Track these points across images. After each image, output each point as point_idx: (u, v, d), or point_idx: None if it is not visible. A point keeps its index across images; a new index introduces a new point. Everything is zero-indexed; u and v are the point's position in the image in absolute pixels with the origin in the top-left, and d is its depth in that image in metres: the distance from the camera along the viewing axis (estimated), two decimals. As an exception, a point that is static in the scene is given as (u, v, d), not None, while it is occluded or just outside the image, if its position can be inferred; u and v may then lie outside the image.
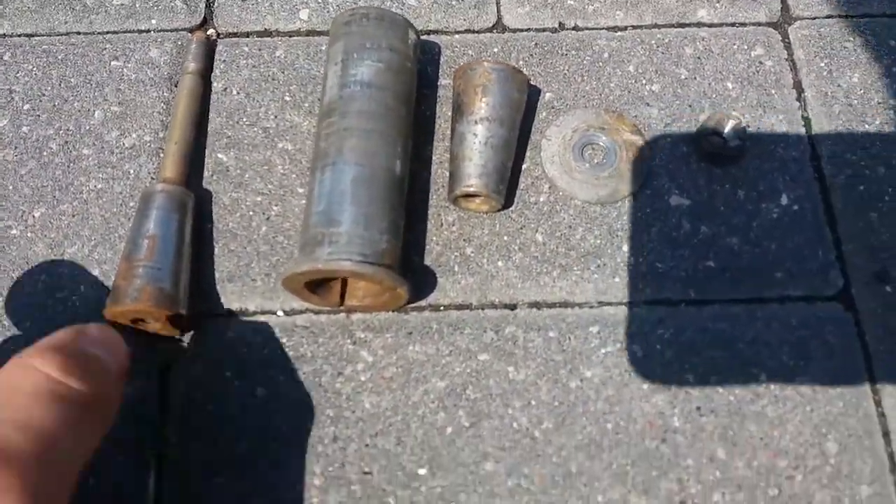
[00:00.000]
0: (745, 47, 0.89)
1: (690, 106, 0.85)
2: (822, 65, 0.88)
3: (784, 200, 0.81)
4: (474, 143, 0.76)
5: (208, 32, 0.88)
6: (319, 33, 0.89)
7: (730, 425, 0.71)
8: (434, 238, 0.78)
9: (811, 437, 0.71)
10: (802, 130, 0.85)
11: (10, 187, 0.79)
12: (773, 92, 0.86)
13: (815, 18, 0.91)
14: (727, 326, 0.75)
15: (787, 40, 0.90)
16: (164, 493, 0.67)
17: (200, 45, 0.84)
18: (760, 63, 0.88)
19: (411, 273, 0.76)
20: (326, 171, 0.70)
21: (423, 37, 0.88)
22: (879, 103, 0.86)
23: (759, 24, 0.91)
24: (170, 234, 0.71)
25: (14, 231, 0.77)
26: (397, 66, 0.76)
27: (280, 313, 0.74)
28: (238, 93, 0.85)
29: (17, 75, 0.85)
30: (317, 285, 0.70)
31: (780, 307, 0.76)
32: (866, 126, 0.85)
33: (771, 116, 0.85)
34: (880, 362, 0.74)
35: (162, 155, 0.79)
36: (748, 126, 0.84)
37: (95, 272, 0.75)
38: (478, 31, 0.89)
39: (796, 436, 0.71)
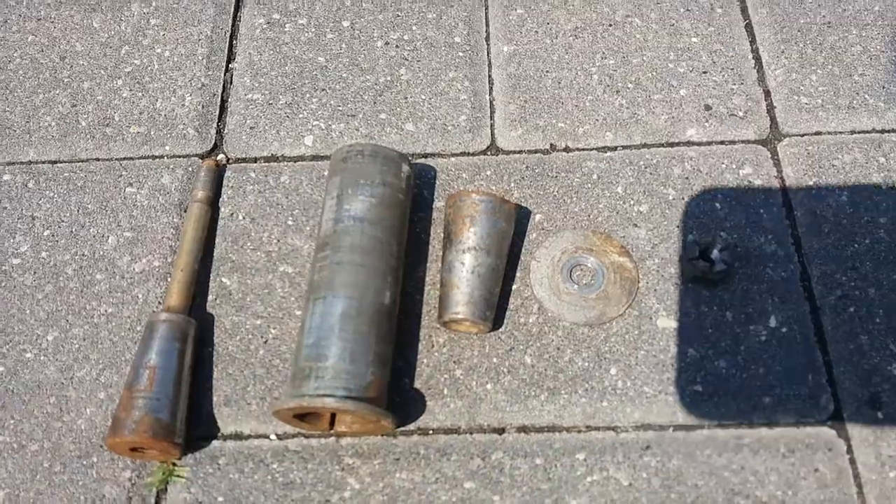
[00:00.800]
0: (734, 166, 0.91)
1: (678, 226, 0.87)
2: (811, 183, 0.90)
3: (773, 322, 0.82)
4: (462, 272, 0.79)
5: (218, 158, 0.93)
6: (323, 158, 0.93)
7: (715, 557, 0.71)
8: (425, 360, 0.80)
9: (798, 570, 0.70)
10: (792, 250, 0.86)
11: (28, 311, 0.83)
12: (761, 211, 0.88)
13: (803, 135, 0.93)
14: (713, 453, 0.76)
15: (776, 157, 0.92)
16: None
17: (209, 172, 0.89)
18: (749, 182, 0.90)
19: (401, 396, 0.78)
20: (318, 304, 0.74)
21: (420, 160, 0.92)
22: (868, 222, 0.87)
23: (748, 142, 0.93)
24: (170, 364, 0.74)
25: (28, 354, 0.81)
26: (390, 200, 0.79)
27: (273, 437, 0.77)
28: (244, 218, 0.89)
29: (40, 202, 0.91)
30: (308, 413, 0.73)
31: (769, 432, 0.77)
32: (856, 246, 0.86)
33: (759, 236, 0.87)
34: (873, 492, 0.74)
35: (169, 280, 0.83)
36: (737, 246, 0.85)
37: (101, 395, 0.78)
38: (472, 154, 0.93)
39: (783, 569, 0.70)
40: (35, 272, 0.86)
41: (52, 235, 0.88)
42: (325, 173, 0.91)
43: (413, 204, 0.88)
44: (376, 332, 0.73)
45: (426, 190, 0.91)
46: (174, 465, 0.74)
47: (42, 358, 0.81)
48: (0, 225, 0.89)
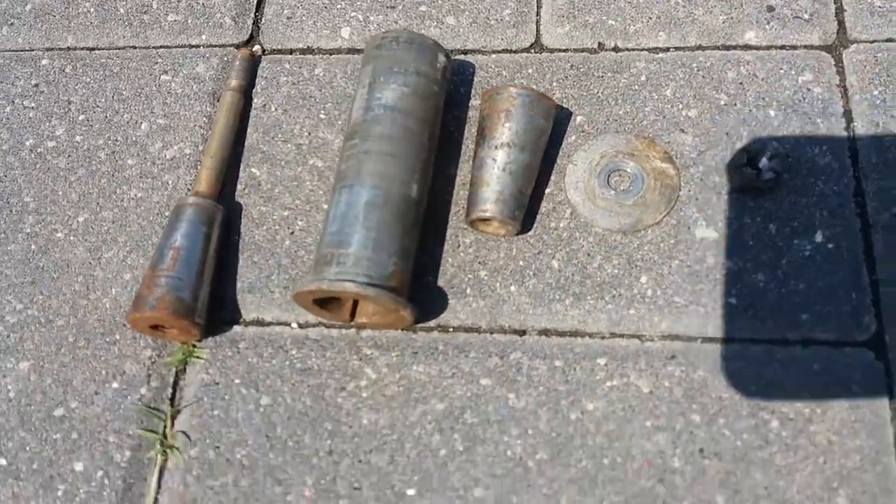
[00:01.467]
0: (793, 72, 0.85)
1: (727, 133, 0.82)
2: (877, 93, 0.83)
3: (819, 237, 0.77)
4: (493, 169, 0.76)
5: (254, 49, 0.92)
6: (359, 51, 0.91)
7: (734, 471, 0.69)
8: (450, 259, 0.79)
9: (820, 490, 0.68)
10: (848, 163, 0.80)
11: (60, 192, 0.85)
12: (818, 121, 0.82)
13: (873, 42, 0.86)
14: (742, 366, 0.73)
15: (840, 65, 0.85)
16: (164, 493, 0.71)
17: (244, 61, 0.87)
18: (808, 90, 0.84)
19: (423, 293, 0.77)
20: (343, 192, 0.72)
21: (460, 56, 0.89)
22: (936, 136, 0.80)
23: (812, 48, 0.86)
24: (195, 246, 0.74)
25: (59, 234, 0.83)
26: (423, 90, 0.77)
27: (294, 325, 0.77)
28: (276, 109, 0.88)
29: (76, 87, 0.91)
30: (329, 301, 0.72)
31: (803, 350, 0.73)
32: (919, 161, 0.80)
33: (814, 147, 0.81)
34: (909, 418, 0.70)
35: (199, 169, 0.83)
36: (788, 156, 0.80)
37: (127, 277, 0.80)
38: (515, 52, 0.89)
39: (804, 488, 0.68)
40: (69, 155, 0.87)
41: (87, 120, 0.89)
42: (360, 66, 0.89)
43: (448, 101, 0.85)
44: (401, 224, 0.72)
45: (463, 87, 0.87)
46: (194, 346, 0.75)
47: (72, 238, 0.83)
48: (37, 108, 0.90)
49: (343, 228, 0.70)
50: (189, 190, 0.83)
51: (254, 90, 0.89)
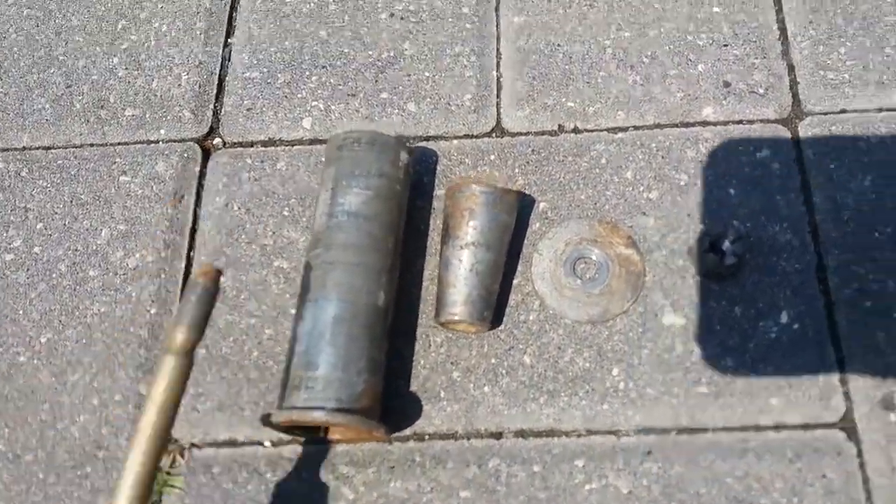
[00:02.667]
0: (751, 148, 0.86)
1: (689, 215, 0.83)
2: (833, 166, 0.85)
3: (784, 318, 0.78)
4: (459, 270, 0.76)
5: (215, 142, 0.91)
6: (321, 141, 0.90)
7: (714, 568, 0.70)
8: (422, 360, 0.79)
9: (799, 582, 0.69)
10: (808, 239, 0.82)
11: (21, 311, 0.83)
12: (778, 197, 0.84)
13: (827, 114, 0.87)
14: (717, 458, 0.74)
15: (796, 138, 0.86)
16: None
17: (203, 293, 0.62)
18: (766, 166, 0.85)
19: (397, 399, 0.77)
20: (309, 307, 0.72)
21: (422, 143, 0.89)
22: (892, 209, 0.82)
23: (768, 122, 0.88)
24: None
25: (21, 358, 0.81)
26: (386, 192, 0.77)
27: (267, 444, 0.76)
28: (239, 209, 0.87)
29: (33, 192, 0.89)
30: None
31: (776, 436, 0.74)
32: (877, 234, 0.81)
33: (775, 224, 0.82)
34: (882, 498, 0.72)
35: (163, 276, 0.82)
36: (750, 237, 0.81)
37: (95, 401, 0.78)
38: (476, 136, 0.89)
39: (784, 581, 0.69)
40: (28, 269, 0.85)
41: (45, 229, 0.87)
42: (323, 158, 0.88)
43: (412, 192, 0.84)
44: (370, 337, 0.71)
45: (426, 176, 0.87)
46: (168, 474, 0.74)
47: (35, 361, 0.81)
48: (-6, 217, 0.88)
49: (310, 348, 0.70)
50: (153, 302, 0.82)
51: (215, 188, 0.88)
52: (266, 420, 0.69)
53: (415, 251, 0.83)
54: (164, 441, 0.60)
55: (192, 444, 0.76)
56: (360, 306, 0.72)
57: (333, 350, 0.69)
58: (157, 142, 0.92)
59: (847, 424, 0.75)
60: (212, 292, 0.62)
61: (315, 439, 0.76)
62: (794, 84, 0.89)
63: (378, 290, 0.73)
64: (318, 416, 0.66)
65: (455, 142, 0.89)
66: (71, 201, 0.88)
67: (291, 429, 0.72)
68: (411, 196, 0.84)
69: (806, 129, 0.87)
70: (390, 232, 0.76)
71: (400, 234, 0.78)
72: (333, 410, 0.67)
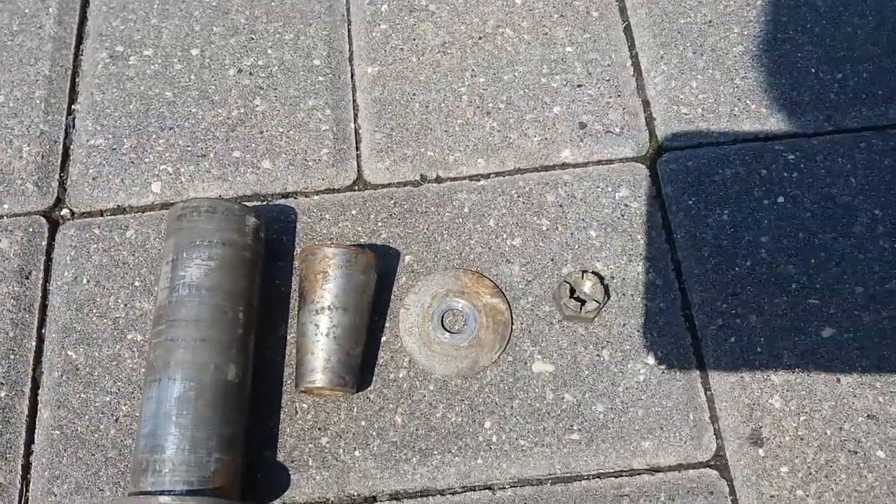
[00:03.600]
0: (610, 189, 0.86)
1: (553, 259, 0.83)
2: (691, 202, 0.86)
3: (651, 359, 0.78)
4: (316, 335, 0.73)
5: (62, 213, 0.86)
6: (172, 205, 0.86)
7: None
8: (288, 429, 0.76)
9: None
10: (672, 277, 0.82)
11: None
12: (639, 237, 0.84)
13: (684, 149, 0.88)
14: (591, 507, 0.72)
15: (654, 175, 0.87)
16: None
17: None
18: (626, 206, 0.86)
19: (264, 471, 0.73)
20: (153, 387, 0.68)
21: (280, 200, 0.86)
22: (749, 241, 0.83)
23: (626, 160, 0.88)
24: None
25: None
26: (231, 260, 0.73)
27: (123, 532, 0.71)
28: (88, 282, 0.82)
29: None
30: None
31: (650, 479, 0.74)
32: (737, 269, 0.82)
33: (637, 264, 0.83)
34: (754, 533, 0.71)
35: (13, 357, 0.76)
36: (611, 279, 0.81)
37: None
38: (338, 190, 0.87)
39: None
40: None
41: None
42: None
43: (271, 254, 0.82)
44: (220, 414, 0.68)
45: (286, 236, 0.85)
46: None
47: None
48: None
49: (156, 430, 0.66)
50: (1, 385, 0.77)
51: (63, 262, 0.83)
52: None
53: (278, 315, 0.80)
54: None
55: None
56: (206, 383, 0.68)
57: (179, 431, 0.66)
58: (1, 216, 0.86)
59: (719, 462, 0.75)
60: None
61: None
62: (650, 121, 0.90)
63: (227, 364, 0.70)
64: (164, 501, 0.62)
65: (316, 197, 0.87)
66: None
67: None
68: (270, 258, 0.82)
69: (664, 166, 0.88)
70: (239, 301, 0.73)
71: (253, 301, 0.75)
72: (182, 494, 0.63)
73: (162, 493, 0.63)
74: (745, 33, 0.94)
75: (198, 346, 0.69)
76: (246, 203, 0.86)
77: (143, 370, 0.77)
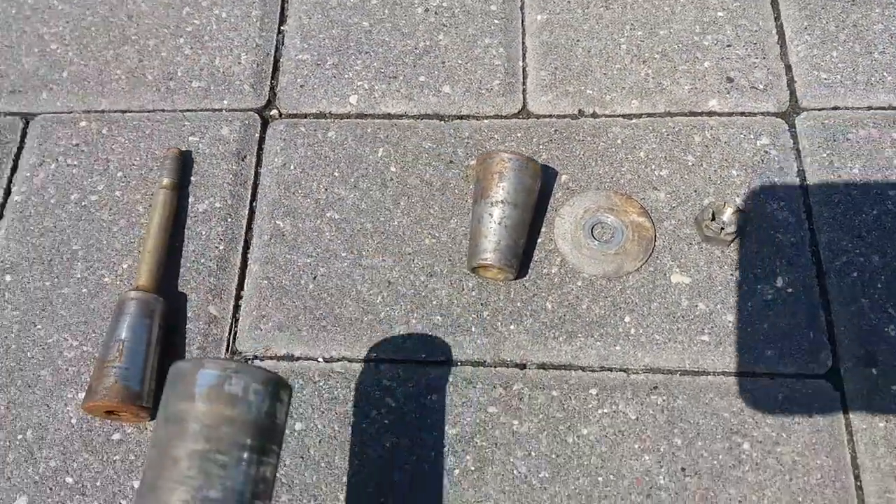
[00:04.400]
0: (752, 136, 0.97)
1: (696, 191, 0.94)
2: (825, 155, 0.95)
3: (780, 283, 0.88)
4: (490, 223, 0.86)
5: (272, 113, 1.02)
6: (366, 116, 1.01)
7: (711, 487, 0.78)
8: (455, 301, 0.88)
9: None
10: (803, 217, 0.92)
11: (105, 242, 0.93)
12: (776, 180, 0.94)
13: (821, 109, 0.98)
14: (716, 396, 0.83)
15: (793, 130, 0.97)
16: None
17: (173, 160, 0.95)
18: (766, 152, 0.96)
19: (433, 332, 0.86)
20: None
21: (455, 122, 0.99)
22: (877, 194, 0.92)
23: (767, 114, 0.98)
24: (139, 338, 0.82)
25: (106, 279, 0.91)
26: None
27: (320, 360, 0.85)
28: (294, 168, 0.97)
29: (112, 147, 1.00)
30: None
31: (770, 382, 0.83)
32: (864, 216, 0.91)
33: (772, 203, 0.93)
34: (862, 439, 0.80)
35: (230, 220, 0.92)
36: (748, 212, 0.92)
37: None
38: (504, 117, 1.00)
39: (773, 502, 0.77)
40: (110, 208, 0.96)
41: (125, 177, 0.98)
42: (369, 130, 0.99)
43: (451, 160, 0.95)
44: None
45: (460, 149, 0.98)
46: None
47: (119, 283, 0.91)
48: (79, 165, 0.99)
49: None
50: (221, 240, 0.92)
51: (274, 150, 0.99)
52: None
53: (451, 211, 0.94)
54: (167, 233, 0.91)
55: (255, 356, 0.85)
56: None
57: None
58: (221, 110, 1.03)
59: (834, 377, 0.84)
60: (180, 159, 0.96)
61: (362, 358, 0.85)
62: (791, 82, 1.00)
63: None
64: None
65: (486, 121, 1.00)
66: (147, 155, 0.99)
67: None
68: (449, 164, 0.95)
69: (802, 123, 0.98)
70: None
71: None
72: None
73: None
74: (886, 14, 1.03)
75: None
76: (428, 121, 1.00)
77: (339, 241, 0.91)
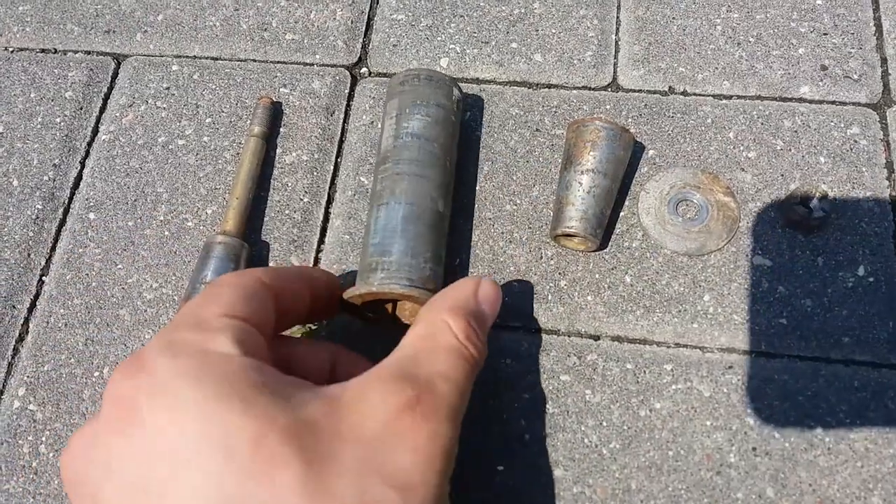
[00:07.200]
0: (842, 125, 0.96)
1: (782, 175, 0.93)
2: (916, 149, 0.94)
3: (861, 271, 0.88)
4: (579, 191, 0.87)
5: (362, 70, 1.03)
6: (457, 79, 1.01)
7: (782, 468, 0.79)
8: (532, 269, 0.89)
9: (858, 490, 0.78)
10: (888, 208, 0.91)
11: (190, 186, 0.95)
12: (863, 170, 0.93)
13: (915, 104, 0.97)
14: (790, 379, 0.83)
15: (884, 122, 0.96)
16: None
17: (265, 109, 0.96)
18: (855, 142, 0.95)
19: (509, 297, 0.87)
20: (381, 209, 0.82)
21: (545, 90, 1.00)
22: (968, 191, 0.91)
23: (859, 105, 0.97)
24: None
25: (189, 223, 0.93)
26: (443, 119, 0.87)
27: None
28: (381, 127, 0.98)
29: (203, 93, 1.02)
30: (372, 306, 0.82)
31: (845, 369, 0.84)
32: (952, 211, 0.90)
33: (859, 192, 0.92)
34: (935, 430, 0.80)
35: (315, 174, 0.94)
36: (835, 199, 0.91)
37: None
38: (594, 89, 1.00)
39: (843, 486, 0.78)
40: (197, 153, 0.98)
41: (213, 123, 1.00)
42: (457, 94, 1.00)
43: (538, 129, 0.96)
44: (433, 234, 0.81)
45: (548, 118, 0.98)
46: (311, 329, 0.85)
47: (201, 227, 0.93)
48: (168, 109, 1.01)
49: (384, 240, 0.80)
50: (306, 192, 0.94)
51: (362, 108, 1.00)
52: (348, 296, 0.78)
53: (533, 179, 0.94)
54: (256, 177, 0.93)
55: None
56: (424, 209, 0.81)
57: (405, 241, 0.79)
58: (313, 64, 1.04)
59: (910, 364, 0.84)
60: (271, 109, 0.97)
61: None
62: (885, 75, 0.99)
63: (439, 199, 0.83)
64: (395, 289, 0.76)
65: (574, 91, 1.00)
66: (237, 104, 1.01)
67: (364, 314, 0.82)
68: (537, 132, 0.96)
69: (893, 115, 0.96)
70: (447, 153, 0.86)
71: (454, 156, 0.88)
72: (408, 286, 0.77)
73: (393, 283, 0.77)
74: None
75: (419, 180, 0.82)
76: (516, 88, 1.00)
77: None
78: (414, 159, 0.84)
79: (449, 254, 0.89)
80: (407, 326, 0.82)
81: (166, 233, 0.93)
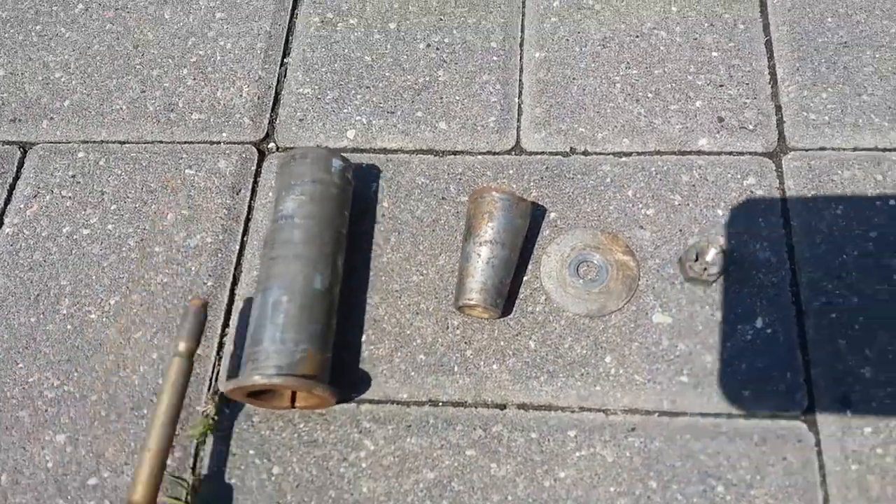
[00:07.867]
0: (739, 176, 0.98)
1: (681, 230, 0.95)
2: (810, 195, 0.96)
3: (759, 323, 0.90)
4: (478, 262, 0.88)
5: (269, 146, 1.04)
6: (362, 151, 1.03)
7: (684, 530, 0.80)
8: (440, 339, 0.90)
9: (758, 547, 0.79)
10: (785, 257, 0.93)
11: (94, 277, 0.96)
12: (760, 220, 0.95)
13: (808, 150, 0.99)
14: (692, 437, 0.84)
15: (779, 170, 0.98)
16: (194, 549, 0.81)
17: (195, 318, 0.84)
18: (752, 192, 0.97)
19: (416, 371, 0.88)
20: (257, 297, 0.84)
21: (451, 157, 1.01)
22: (859, 235, 0.93)
23: (755, 154, 1.00)
24: None
25: (93, 316, 0.94)
26: (320, 194, 0.88)
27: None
28: (287, 202, 0.99)
29: (109, 179, 1.02)
30: (264, 392, 0.83)
31: (745, 422, 0.85)
32: (845, 256, 0.92)
33: (756, 243, 0.94)
34: (835, 482, 0.82)
35: (220, 255, 0.94)
36: (732, 252, 0.93)
37: (154, 356, 0.90)
38: (498, 153, 1.02)
39: (744, 545, 0.79)
40: (102, 242, 0.98)
41: (118, 210, 1.00)
42: (365, 165, 1.01)
43: (443, 198, 0.97)
44: (308, 314, 0.81)
45: (453, 185, 1.00)
46: (214, 419, 0.86)
47: (104, 319, 0.93)
48: (74, 198, 1.02)
49: (257, 330, 0.81)
50: (210, 276, 0.95)
51: (268, 184, 1.01)
52: (226, 391, 0.79)
53: (440, 248, 0.96)
54: (175, 420, 0.80)
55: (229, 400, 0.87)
56: (297, 290, 0.82)
57: (273, 328, 0.80)
58: (220, 143, 1.05)
59: (808, 417, 0.85)
60: (202, 315, 0.84)
61: (343, 399, 0.87)
62: (780, 123, 1.01)
63: (314, 276, 0.83)
64: (256, 380, 0.77)
65: (479, 157, 1.02)
66: (142, 188, 1.02)
67: (258, 402, 0.83)
68: (443, 201, 0.97)
69: (789, 163, 0.99)
70: (328, 226, 0.87)
71: (341, 226, 0.89)
72: (271, 375, 0.77)
73: (256, 374, 0.77)
74: (877, 56, 1.04)
75: (290, 261, 0.83)
76: (422, 157, 1.01)
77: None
78: (287, 240, 0.85)
79: (348, 329, 0.90)
80: (306, 406, 0.83)
81: (69, 327, 0.93)
